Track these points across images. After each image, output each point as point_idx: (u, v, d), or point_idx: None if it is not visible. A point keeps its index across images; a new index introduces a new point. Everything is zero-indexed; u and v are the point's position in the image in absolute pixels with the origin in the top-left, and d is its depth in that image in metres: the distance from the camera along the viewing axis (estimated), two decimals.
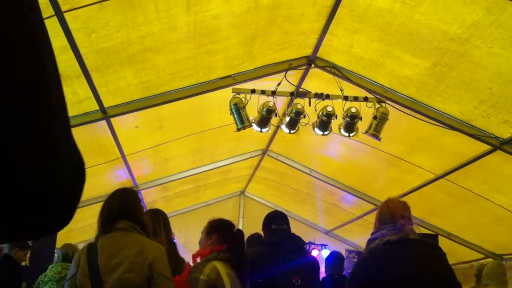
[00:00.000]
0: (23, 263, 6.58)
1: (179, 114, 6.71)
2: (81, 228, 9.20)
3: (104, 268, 3.11)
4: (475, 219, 7.70)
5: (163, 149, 7.61)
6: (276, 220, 4.57)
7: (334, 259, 6.51)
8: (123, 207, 3.30)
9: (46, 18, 3.77)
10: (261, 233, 4.84)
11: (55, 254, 6.68)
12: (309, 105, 5.99)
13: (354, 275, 3.37)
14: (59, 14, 3.87)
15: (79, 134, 5.71)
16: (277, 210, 5.52)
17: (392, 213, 3.28)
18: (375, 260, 3.20)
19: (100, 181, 7.77)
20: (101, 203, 3.41)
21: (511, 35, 4.17)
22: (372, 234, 3.34)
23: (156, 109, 6.12)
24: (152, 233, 3.59)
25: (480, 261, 8.35)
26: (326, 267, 6.46)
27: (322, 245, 10.98)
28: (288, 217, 4.69)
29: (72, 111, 5.31)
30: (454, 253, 8.45)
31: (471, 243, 8.49)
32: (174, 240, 4.24)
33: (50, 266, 5.74)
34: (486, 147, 5.91)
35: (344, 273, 6.46)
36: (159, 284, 3.12)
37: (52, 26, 3.94)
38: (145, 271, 3.11)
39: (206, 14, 4.65)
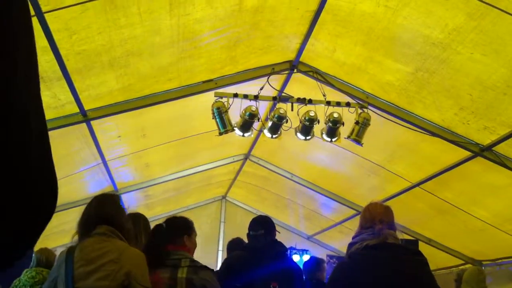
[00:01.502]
0: None
1: (162, 120, 6.67)
2: (60, 232, 9.07)
3: (78, 274, 3.05)
4: (454, 228, 7.77)
5: (145, 154, 7.55)
6: (254, 226, 4.55)
7: (313, 263, 6.53)
8: (103, 212, 3.23)
9: None
10: (242, 237, 4.83)
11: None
12: (292, 110, 6.00)
13: (333, 278, 3.38)
14: (39, 14, 3.81)
15: (58, 137, 5.62)
16: (259, 215, 5.45)
17: (372, 218, 3.29)
18: (353, 264, 3.21)
19: (79, 186, 7.68)
20: (81, 207, 3.35)
21: (491, 41, 4.22)
22: (353, 238, 3.35)
23: (139, 116, 6.07)
24: (133, 237, 3.52)
25: (459, 267, 8.42)
26: (304, 271, 6.45)
27: (303, 250, 10.96)
28: None
29: (52, 114, 5.23)
30: (433, 259, 8.48)
31: (451, 249, 8.57)
32: None
33: (25, 271, 5.63)
34: (466, 154, 5.96)
35: (322, 278, 6.45)
36: None
37: (34, 27, 3.88)
38: (120, 279, 3.04)
39: (190, 17, 4.62)
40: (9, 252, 0.70)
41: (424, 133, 5.90)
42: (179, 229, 3.81)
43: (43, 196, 0.71)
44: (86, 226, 3.22)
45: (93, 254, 3.10)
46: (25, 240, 0.71)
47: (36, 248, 7.25)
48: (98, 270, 3.04)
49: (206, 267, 3.76)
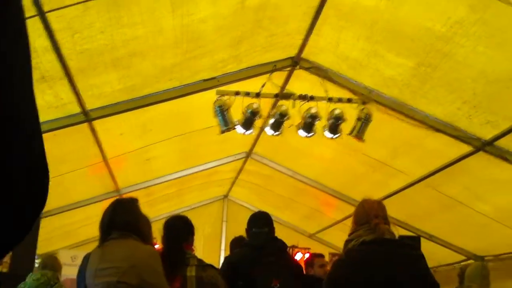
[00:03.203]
0: (2, 270, 6.45)
1: (163, 118, 6.67)
2: (63, 234, 9.07)
3: (89, 273, 3.17)
4: (456, 223, 7.77)
5: (147, 153, 7.53)
6: (257, 223, 4.53)
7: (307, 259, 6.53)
8: (119, 219, 3.31)
9: (29, 17, 3.70)
10: (245, 236, 4.82)
11: (36, 261, 6.60)
12: (293, 107, 5.99)
13: (331, 275, 3.41)
14: (41, 14, 3.80)
15: (60, 137, 5.62)
16: (260, 211, 5.42)
17: (367, 214, 3.32)
18: (350, 261, 3.23)
19: (81, 186, 7.67)
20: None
21: (494, 34, 4.22)
22: (349, 235, 3.38)
23: (141, 113, 6.06)
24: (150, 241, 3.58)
25: (461, 263, 8.40)
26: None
27: (305, 248, 10.95)
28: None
29: (54, 113, 5.22)
30: (435, 255, 8.49)
31: (453, 245, 8.55)
32: (156, 246, 4.24)
33: (30, 275, 5.67)
34: (468, 149, 5.95)
35: (317, 273, 6.42)
36: None
37: (36, 26, 3.88)
38: (130, 277, 3.07)
39: (193, 17, 4.61)
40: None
41: (427, 128, 5.89)
42: (190, 228, 3.92)
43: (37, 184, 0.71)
44: (103, 232, 3.32)
45: (107, 253, 3.20)
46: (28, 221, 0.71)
47: (40, 251, 7.29)
48: (108, 268, 3.12)
49: (212, 266, 3.87)
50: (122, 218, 3.31)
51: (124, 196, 8.17)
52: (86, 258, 3.29)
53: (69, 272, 9.91)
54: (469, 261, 8.17)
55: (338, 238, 11.07)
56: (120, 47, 4.64)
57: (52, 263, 5.95)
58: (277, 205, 10.98)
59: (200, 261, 3.80)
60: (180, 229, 3.88)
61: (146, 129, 6.81)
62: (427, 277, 3.17)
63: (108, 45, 4.56)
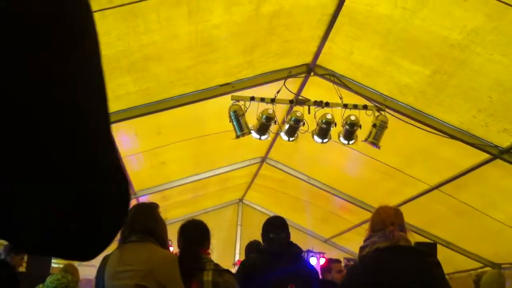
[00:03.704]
0: (20, 269, 6.54)
1: (178, 122, 6.71)
2: None
3: (108, 274, 3.21)
4: (472, 230, 7.71)
5: (162, 156, 7.59)
6: (275, 229, 4.54)
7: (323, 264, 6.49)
8: (139, 223, 3.35)
9: None
10: (260, 239, 4.82)
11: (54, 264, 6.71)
12: (309, 113, 5.99)
13: (345, 282, 3.40)
14: None
15: None
16: (276, 216, 5.42)
17: (383, 221, 3.29)
18: (364, 268, 3.21)
19: None
20: None
21: (511, 42, 4.18)
22: (364, 241, 3.36)
23: (155, 116, 6.11)
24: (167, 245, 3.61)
25: (478, 270, 8.32)
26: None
27: (320, 253, 10.94)
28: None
29: None
30: (452, 262, 8.43)
31: (470, 252, 8.48)
32: (171, 248, 4.27)
33: (50, 275, 5.76)
34: (484, 157, 5.90)
35: (332, 279, 6.40)
36: None
37: None
38: (149, 281, 3.11)
39: (208, 24, 4.65)
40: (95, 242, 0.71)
41: (443, 136, 5.85)
42: (206, 232, 3.93)
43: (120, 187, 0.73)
44: (122, 235, 3.35)
45: (125, 256, 3.24)
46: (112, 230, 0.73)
47: None
48: (126, 271, 3.17)
49: (228, 271, 3.87)
50: (143, 222, 3.35)
51: (141, 200, 8.25)
52: (105, 260, 3.32)
53: (85, 272, 10.04)
54: (485, 268, 8.09)
55: (353, 243, 11.04)
56: (136, 52, 4.69)
57: (72, 271, 6.13)
58: (292, 210, 10.99)
59: (216, 265, 3.80)
60: (196, 233, 3.89)
61: (161, 133, 6.87)
62: (441, 284, 3.15)
63: (125, 51, 4.61)
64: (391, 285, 3.04)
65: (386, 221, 3.27)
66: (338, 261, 7.17)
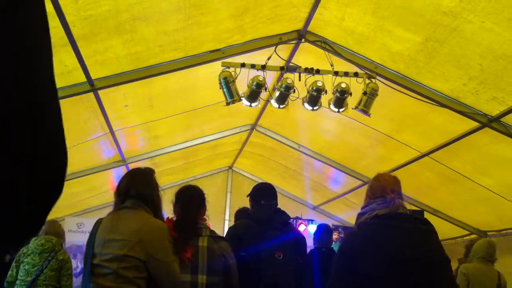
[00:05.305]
0: None
1: (169, 90, 6.66)
2: (68, 202, 9.16)
3: (98, 241, 3.22)
4: (460, 198, 7.79)
5: (152, 124, 7.55)
6: (266, 196, 4.56)
7: (322, 232, 6.51)
8: (133, 187, 3.35)
9: None
10: (249, 206, 4.85)
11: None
12: (299, 80, 5.96)
13: (343, 249, 3.36)
14: None
15: (66, 107, 5.62)
16: (266, 182, 5.44)
17: (383, 188, 3.26)
18: (362, 234, 3.20)
19: (87, 155, 7.72)
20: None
21: (503, 10, 4.14)
22: (362, 208, 3.32)
23: (146, 86, 6.05)
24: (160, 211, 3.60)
25: (464, 238, 8.46)
26: (314, 240, 6.49)
27: (308, 220, 11.05)
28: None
29: (59, 82, 5.19)
30: (439, 229, 8.40)
31: (456, 220, 8.60)
32: (163, 214, 4.26)
33: (33, 239, 5.68)
34: (474, 125, 5.94)
35: (331, 246, 6.49)
36: (152, 267, 3.14)
37: None
38: (138, 252, 3.11)
39: None
40: (28, 224, 0.70)
41: (433, 104, 5.86)
42: (202, 199, 3.95)
43: (57, 161, 0.71)
44: (117, 199, 3.38)
45: (117, 224, 3.24)
46: (45, 208, 0.71)
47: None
48: (115, 240, 3.17)
49: (223, 238, 3.94)
50: (138, 188, 3.35)
51: (131, 166, 8.24)
52: (98, 224, 3.33)
53: (75, 238, 10.10)
54: (471, 236, 8.23)
55: (341, 210, 11.16)
56: (123, 12, 4.60)
57: (56, 229, 6.00)
58: (282, 177, 11.04)
59: (212, 232, 3.84)
60: (193, 199, 3.90)
61: (152, 101, 6.81)
62: (439, 252, 3.17)
63: (112, 10, 4.51)
64: (391, 252, 3.02)
65: (386, 188, 3.23)
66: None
